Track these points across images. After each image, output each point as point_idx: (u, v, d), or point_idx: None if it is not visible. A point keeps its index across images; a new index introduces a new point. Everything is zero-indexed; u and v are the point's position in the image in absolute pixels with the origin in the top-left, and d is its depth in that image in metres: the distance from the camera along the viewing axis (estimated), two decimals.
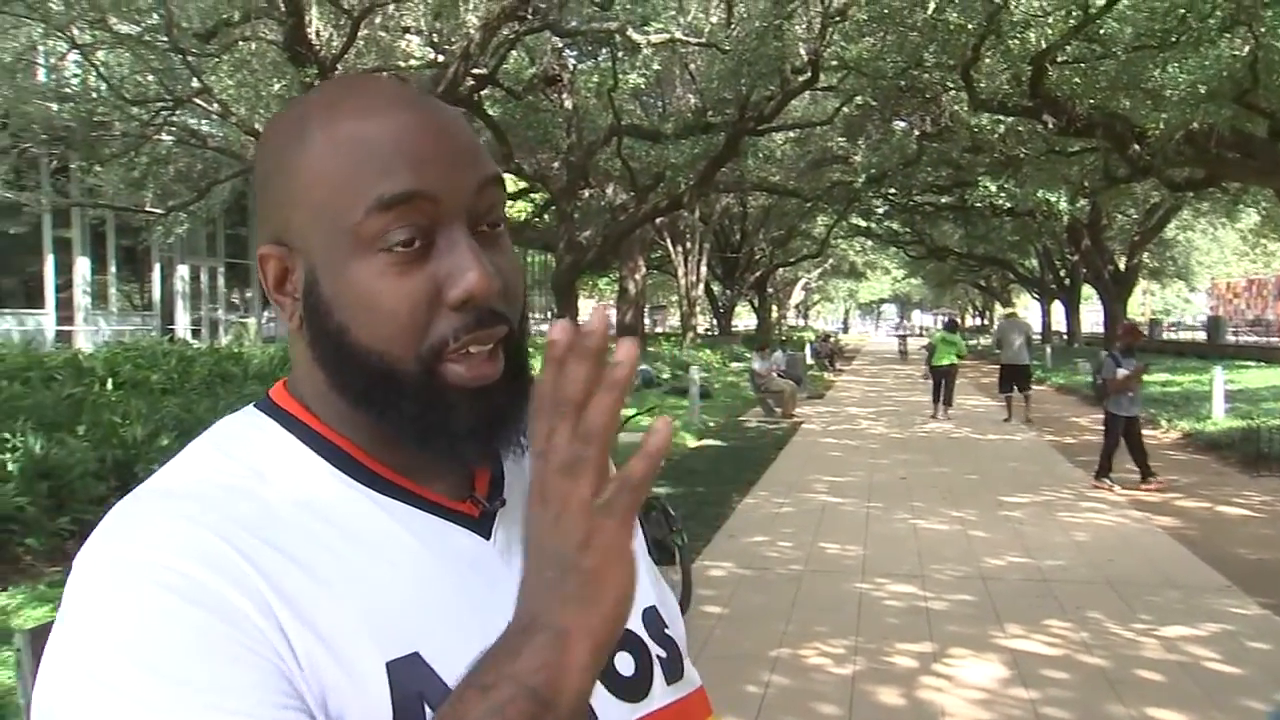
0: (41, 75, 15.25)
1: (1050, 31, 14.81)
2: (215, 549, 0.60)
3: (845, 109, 20.05)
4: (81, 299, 19.58)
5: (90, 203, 17.72)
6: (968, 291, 62.76)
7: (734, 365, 24.71)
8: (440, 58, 15.24)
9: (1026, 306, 58.81)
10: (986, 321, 64.32)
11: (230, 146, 16.17)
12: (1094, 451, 11.48)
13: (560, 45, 18.45)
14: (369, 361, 0.66)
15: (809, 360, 25.94)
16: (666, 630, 0.80)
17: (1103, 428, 9.42)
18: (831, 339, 35.62)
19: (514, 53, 17.32)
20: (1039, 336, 44.89)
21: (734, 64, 15.92)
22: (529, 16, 13.95)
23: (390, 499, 0.69)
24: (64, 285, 19.42)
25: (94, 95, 14.43)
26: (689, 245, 29.74)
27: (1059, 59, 15.07)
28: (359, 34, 12.63)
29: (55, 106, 14.55)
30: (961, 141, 20.00)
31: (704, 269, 31.35)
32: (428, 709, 0.62)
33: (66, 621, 0.59)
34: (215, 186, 17.63)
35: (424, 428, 0.67)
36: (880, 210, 29.04)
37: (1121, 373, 8.79)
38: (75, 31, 12.85)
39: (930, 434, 13.81)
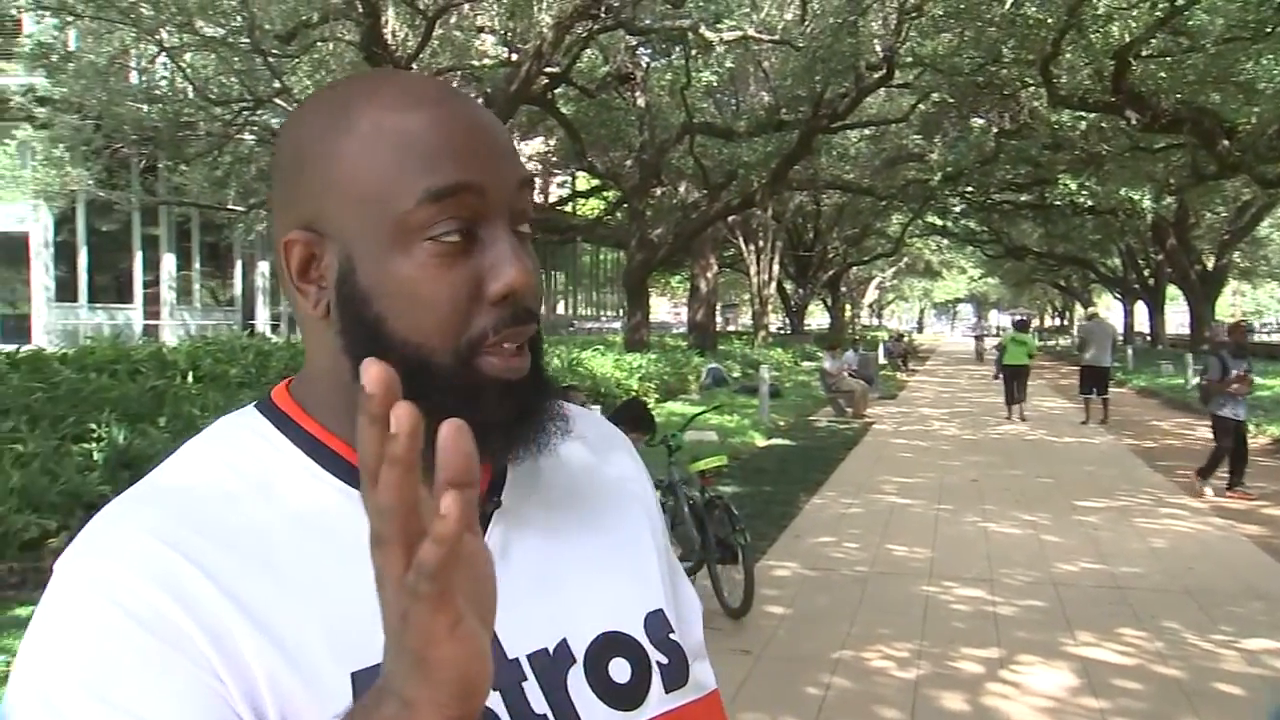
0: (134, 78, 15.77)
1: (1134, 24, 14.42)
2: (178, 571, 0.60)
3: (921, 106, 19.76)
4: (167, 294, 20.22)
5: (176, 201, 18.30)
6: (1046, 291, 61.42)
7: (806, 364, 24.54)
8: (514, 56, 15.38)
9: (1109, 307, 57.34)
10: (1066, 322, 62.90)
11: None
12: (1175, 456, 11.17)
13: (633, 43, 18.50)
14: (405, 352, 0.65)
15: (882, 360, 25.63)
16: (671, 635, 0.77)
17: (1198, 431, 9.10)
18: (905, 339, 35.14)
19: (587, 51, 17.40)
20: (1121, 338, 43.79)
21: (808, 61, 15.78)
22: (602, 15, 14.00)
23: None
24: (151, 281, 20.08)
25: (180, 97, 14.87)
26: (761, 243, 29.57)
27: (1143, 53, 14.67)
28: (434, 33, 12.80)
29: (145, 108, 15.03)
30: (1041, 138, 19.57)
31: (776, 267, 31.12)
32: None
33: (34, 634, 0.60)
34: None
35: (454, 415, 0.66)
36: (957, 208, 28.53)
37: (1234, 374, 8.46)
38: (164, 35, 13.25)
39: (1004, 436, 13.56)
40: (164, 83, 15.44)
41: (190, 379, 8.93)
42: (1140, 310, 42.18)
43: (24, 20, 15.54)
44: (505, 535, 0.72)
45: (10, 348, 9.59)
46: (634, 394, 13.74)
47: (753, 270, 29.78)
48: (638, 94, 19.59)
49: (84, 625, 0.59)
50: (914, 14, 15.42)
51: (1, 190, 17.03)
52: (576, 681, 0.69)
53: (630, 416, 4.90)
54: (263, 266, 22.64)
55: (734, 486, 8.83)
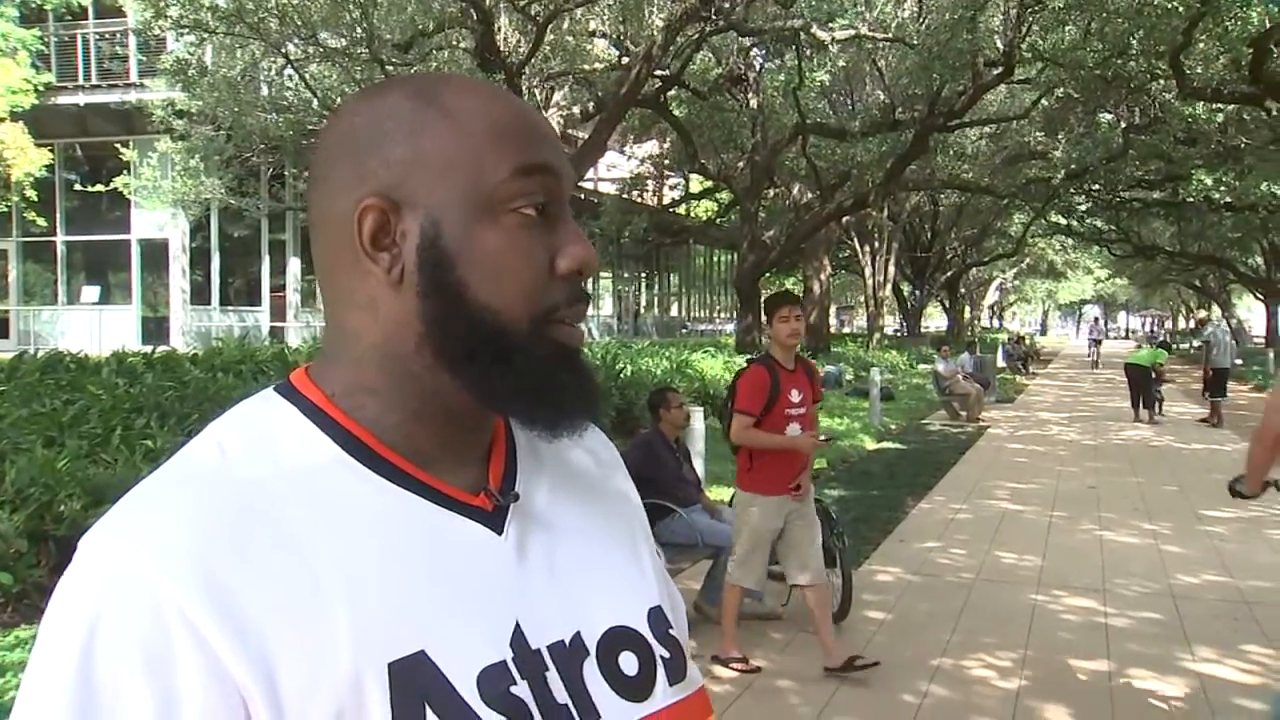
0: (262, 90, 16.46)
1: (1275, 9, 13.68)
2: (211, 567, 0.60)
3: (1044, 102, 19.15)
4: (292, 297, 21.02)
5: (301, 206, 19.00)
6: (1180, 292, 58.74)
7: (921, 367, 24.05)
8: (625, 60, 15.50)
9: (1249, 309, 54.54)
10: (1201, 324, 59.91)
11: None
12: None
13: (745, 45, 18.43)
14: (484, 317, 0.68)
15: (1000, 363, 24.92)
16: (671, 631, 0.79)
17: None
18: (1025, 341, 34.05)
19: (700, 53, 17.41)
20: (1262, 340, 41.60)
21: (923, 59, 15.46)
22: (713, 17, 13.99)
23: (402, 489, 0.69)
24: (277, 285, 20.90)
25: (305, 106, 15.44)
26: (876, 244, 29.11)
27: None
28: (545, 38, 12.99)
29: (272, 118, 15.67)
30: (1173, 132, 18.75)
31: (892, 269, 30.57)
32: (429, 710, 0.63)
33: (47, 633, 0.61)
34: None
35: (538, 382, 0.70)
36: (1082, 207, 27.55)
37: None
38: (290, 48, 13.80)
39: (1126, 441, 13.02)
40: (290, 93, 16.07)
41: None
42: None
43: (168, 39, 16.40)
44: (521, 529, 0.73)
45: (149, 349, 10.13)
46: None
47: (868, 272, 29.34)
48: (750, 95, 19.52)
49: (98, 642, 0.59)
50: (1035, 7, 14.96)
51: (144, 200, 18.00)
52: (591, 673, 0.72)
53: None
54: None
55: (840, 490, 8.73)
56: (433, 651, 0.64)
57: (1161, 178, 23.20)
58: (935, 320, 51.74)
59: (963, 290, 41.42)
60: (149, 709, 0.58)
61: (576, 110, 16.10)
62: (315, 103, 14.79)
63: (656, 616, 0.79)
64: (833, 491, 8.47)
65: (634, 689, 0.73)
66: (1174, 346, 19.70)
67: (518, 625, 0.69)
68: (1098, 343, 35.11)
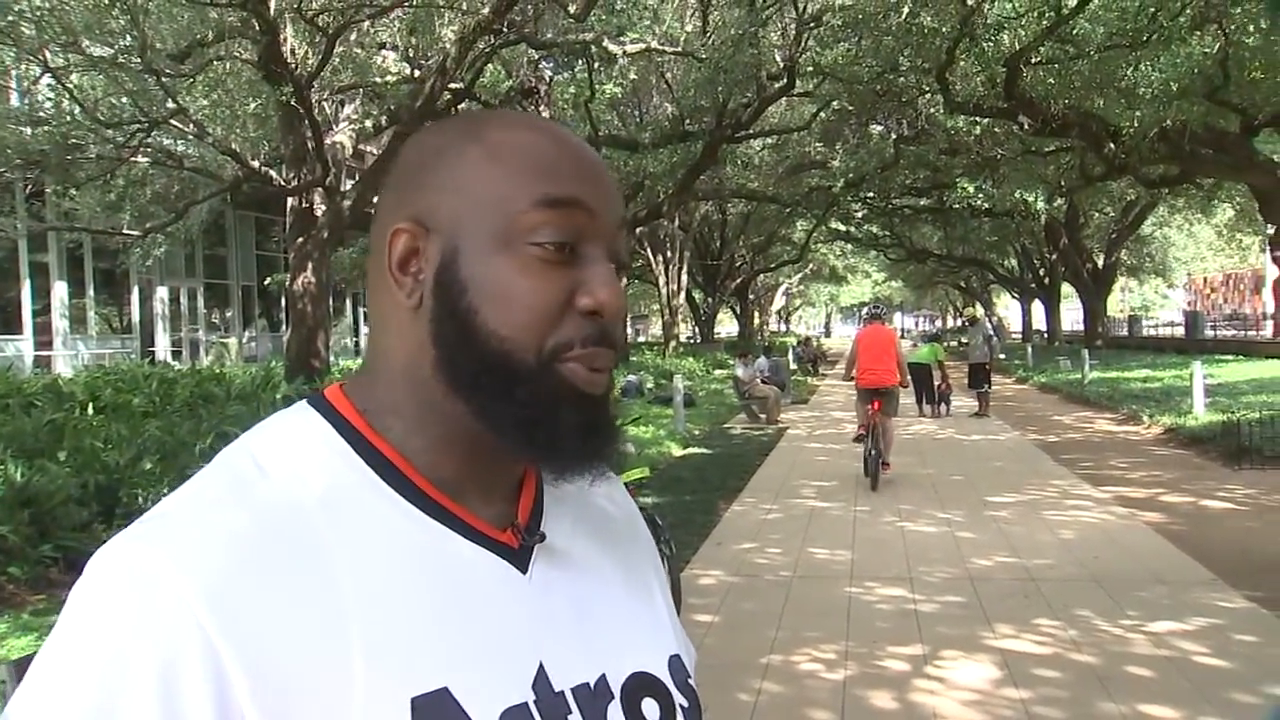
0: (14, 100, 15.16)
1: (1023, 33, 14.95)
2: (235, 588, 0.60)
3: (822, 114, 20.16)
4: (60, 323, 19.45)
5: (66, 226, 17.58)
6: (948, 293, 63.10)
7: (718, 373, 24.75)
8: (416, 73, 15.23)
9: (1006, 306, 59.16)
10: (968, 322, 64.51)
11: (207, 166, 16.08)
12: (1078, 449, 11.59)
13: (536, 57, 18.48)
14: (489, 345, 0.68)
15: (792, 365, 25.99)
16: (689, 680, 0.80)
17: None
18: (813, 343, 35.67)
19: (490, 66, 17.32)
20: (1019, 336, 45.25)
21: (710, 72, 15.99)
22: (504, 30, 13.94)
23: (430, 518, 0.69)
24: (41, 310, 19.29)
25: (68, 119, 14.33)
26: (669, 254, 29.80)
27: (1033, 60, 15.21)
28: (334, 51, 12.59)
29: (29, 131, 14.45)
30: (938, 144, 20.14)
31: (685, 277, 31.42)
32: None
33: (64, 633, 0.60)
34: (193, 207, 17.51)
35: (533, 417, 0.68)
36: (859, 214, 29.18)
37: None
38: (47, 55, 12.76)
39: (915, 435, 13.86)
40: (49, 104, 14.87)
41: (90, 410, 8.61)
42: (1038, 308, 43.63)
43: None
44: (547, 569, 0.74)
45: None
46: None
47: (661, 281, 29.99)
48: (542, 107, 19.57)
49: (102, 651, 0.58)
50: (813, 24, 15.73)
51: None
52: (615, 717, 0.71)
53: None
54: (161, 292, 21.96)
55: (653, 497, 8.86)
56: (456, 689, 0.64)
57: (929, 185, 24.87)
58: (726, 326, 53.42)
59: (752, 296, 42.98)
60: None
61: (369, 124, 15.67)
62: (80, 114, 13.74)
63: (676, 664, 0.79)
64: (647, 499, 8.59)
65: None
66: (944, 340, 21.26)
67: (541, 667, 0.69)
68: None
